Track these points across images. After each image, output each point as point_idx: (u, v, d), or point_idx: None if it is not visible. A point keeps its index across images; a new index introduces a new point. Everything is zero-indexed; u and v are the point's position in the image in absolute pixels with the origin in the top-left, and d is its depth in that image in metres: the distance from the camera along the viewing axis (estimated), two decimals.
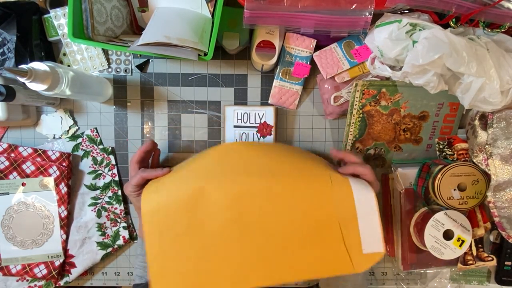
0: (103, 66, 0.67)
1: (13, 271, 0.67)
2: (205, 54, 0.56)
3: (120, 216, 0.69)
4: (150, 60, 0.68)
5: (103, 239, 0.69)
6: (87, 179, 0.69)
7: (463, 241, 0.61)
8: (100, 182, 0.69)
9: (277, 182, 0.53)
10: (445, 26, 0.57)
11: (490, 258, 0.65)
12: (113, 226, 0.69)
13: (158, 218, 0.52)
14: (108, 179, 0.69)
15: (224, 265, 0.52)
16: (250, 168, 0.56)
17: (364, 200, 0.52)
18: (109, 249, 0.69)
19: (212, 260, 0.52)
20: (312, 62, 0.65)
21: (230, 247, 0.52)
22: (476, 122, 0.61)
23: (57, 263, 0.67)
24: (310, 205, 0.52)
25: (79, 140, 0.68)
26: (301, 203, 0.53)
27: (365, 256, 0.53)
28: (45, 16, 0.64)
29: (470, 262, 0.65)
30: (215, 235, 0.52)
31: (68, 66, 0.67)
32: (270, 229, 0.52)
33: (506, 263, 0.68)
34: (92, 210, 0.69)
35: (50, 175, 0.66)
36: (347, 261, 0.52)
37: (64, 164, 0.66)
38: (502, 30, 0.57)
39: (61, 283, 0.68)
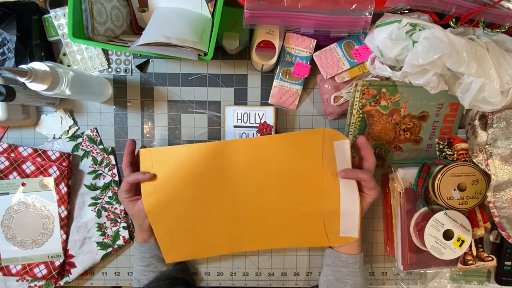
0: (103, 66, 0.67)
1: (13, 271, 0.67)
2: (205, 54, 0.56)
3: (120, 216, 0.69)
4: (150, 60, 0.68)
5: (103, 239, 0.69)
6: (87, 179, 0.69)
7: (463, 241, 0.61)
8: (100, 182, 0.69)
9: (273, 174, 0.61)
10: (445, 26, 0.57)
11: (490, 258, 0.65)
12: (113, 226, 0.69)
13: (160, 209, 0.61)
14: (108, 179, 0.69)
15: (221, 232, 0.63)
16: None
17: (349, 202, 0.59)
18: (109, 249, 0.69)
19: (210, 230, 0.63)
20: (312, 62, 0.65)
21: (226, 217, 0.62)
22: (476, 122, 0.61)
23: (57, 263, 0.67)
24: (302, 199, 0.61)
25: (79, 140, 0.68)
26: (295, 196, 0.61)
27: (341, 237, 0.62)
28: (45, 16, 0.64)
29: (470, 262, 0.65)
30: (213, 211, 0.62)
31: (68, 66, 0.67)
32: (266, 207, 0.62)
33: (506, 263, 0.68)
34: (92, 210, 0.69)
35: (50, 175, 0.66)
36: (324, 239, 0.63)
37: (64, 164, 0.66)
38: (502, 30, 0.57)
39: (61, 283, 0.68)
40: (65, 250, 0.68)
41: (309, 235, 0.63)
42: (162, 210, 0.60)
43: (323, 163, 0.59)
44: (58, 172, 0.66)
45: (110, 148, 0.69)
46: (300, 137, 0.60)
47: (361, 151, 0.59)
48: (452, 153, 0.65)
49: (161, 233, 0.62)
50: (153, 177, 0.59)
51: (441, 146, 0.66)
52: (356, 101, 0.63)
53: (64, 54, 0.67)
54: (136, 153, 0.63)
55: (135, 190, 0.61)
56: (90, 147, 0.69)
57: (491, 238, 0.68)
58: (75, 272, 0.68)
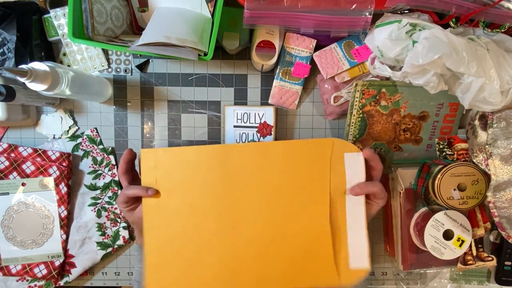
0: (103, 66, 0.67)
1: (13, 271, 0.67)
2: (205, 54, 0.56)
3: (120, 216, 0.69)
4: (150, 60, 0.68)
5: (103, 239, 0.69)
6: (87, 179, 0.69)
7: (463, 241, 0.61)
8: (100, 182, 0.69)
9: (274, 198, 0.55)
10: (445, 26, 0.57)
11: (490, 258, 0.65)
12: (113, 226, 0.69)
13: (157, 214, 0.55)
14: (108, 179, 0.69)
15: (215, 271, 0.54)
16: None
17: (355, 216, 0.54)
18: (109, 249, 0.69)
19: (204, 261, 0.54)
20: (312, 62, 0.65)
21: (224, 256, 0.54)
22: (476, 122, 0.61)
23: (57, 263, 0.67)
24: (305, 221, 0.54)
25: (79, 140, 0.68)
26: (300, 216, 0.55)
27: (352, 271, 0.54)
28: (45, 16, 0.64)
29: (470, 262, 0.65)
30: (212, 240, 0.54)
31: (68, 66, 0.67)
32: (263, 242, 0.54)
33: (506, 263, 0.68)
34: (92, 210, 0.69)
35: (50, 175, 0.66)
36: (334, 275, 0.53)
37: (64, 164, 0.66)
38: (502, 30, 0.57)
39: (61, 283, 0.68)
40: (65, 250, 0.68)
41: (318, 271, 0.54)
42: (159, 216, 0.55)
43: (330, 177, 0.54)
44: (58, 172, 0.66)
45: (110, 148, 0.69)
46: (307, 145, 0.54)
47: (368, 161, 0.55)
48: (452, 153, 0.65)
49: (151, 249, 0.54)
50: (156, 193, 0.54)
51: (441, 146, 0.66)
52: (356, 101, 0.63)
53: (64, 54, 0.67)
54: (136, 159, 0.59)
55: (134, 199, 0.59)
56: (90, 147, 0.69)
57: (491, 238, 0.68)
58: (75, 272, 0.68)
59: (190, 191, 0.55)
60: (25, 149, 0.66)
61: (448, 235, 0.61)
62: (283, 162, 0.54)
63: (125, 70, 0.68)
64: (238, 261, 0.54)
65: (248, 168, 0.55)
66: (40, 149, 0.66)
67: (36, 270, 0.67)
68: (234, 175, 0.55)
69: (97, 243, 0.68)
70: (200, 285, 0.54)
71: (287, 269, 0.54)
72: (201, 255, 0.54)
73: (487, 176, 0.59)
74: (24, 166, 0.66)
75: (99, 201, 0.69)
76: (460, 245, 0.61)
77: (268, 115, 0.67)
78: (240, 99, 0.69)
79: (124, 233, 0.69)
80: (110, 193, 0.69)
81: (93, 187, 0.69)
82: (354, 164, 0.54)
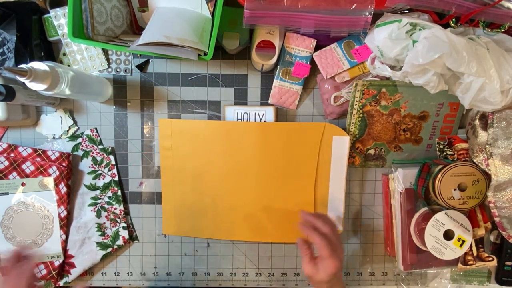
0: (103, 66, 0.67)
1: None
2: (205, 54, 0.56)
3: (120, 216, 0.69)
4: (150, 60, 0.68)
5: (102, 239, 0.69)
6: (87, 179, 0.68)
7: (463, 241, 0.61)
8: (100, 182, 0.69)
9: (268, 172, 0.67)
10: (445, 26, 0.57)
11: (490, 258, 0.65)
12: (113, 226, 0.69)
13: (172, 174, 0.68)
14: (108, 179, 0.69)
15: (218, 215, 0.68)
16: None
17: (336, 189, 0.66)
18: (109, 249, 0.69)
19: (208, 211, 0.68)
20: (312, 62, 0.65)
21: (225, 201, 0.67)
22: (476, 122, 0.61)
23: (56, 263, 0.67)
24: (296, 186, 0.67)
25: (79, 140, 0.68)
26: (290, 183, 0.66)
27: None
28: (45, 16, 0.64)
29: (471, 262, 0.65)
30: (215, 190, 0.67)
31: (68, 66, 0.67)
32: (258, 202, 0.67)
33: (507, 263, 0.67)
34: (91, 210, 0.68)
35: (49, 175, 0.66)
36: None
37: (63, 164, 0.66)
38: (502, 30, 0.57)
39: (61, 283, 0.68)
40: (65, 250, 0.68)
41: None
42: (174, 176, 0.67)
43: (319, 154, 0.65)
44: (57, 172, 0.66)
45: (110, 148, 0.69)
46: (302, 127, 0.65)
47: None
48: (452, 153, 0.65)
49: (167, 200, 0.68)
50: (172, 156, 0.67)
51: (441, 146, 0.66)
52: (356, 101, 0.63)
53: (64, 54, 0.67)
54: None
55: None
56: (90, 147, 0.69)
57: (492, 238, 0.68)
58: (74, 273, 0.68)
59: (199, 157, 0.66)
60: (24, 149, 0.66)
61: (448, 235, 0.61)
62: (280, 139, 0.65)
63: (125, 70, 0.68)
64: (236, 214, 0.67)
65: (249, 141, 0.65)
66: (40, 149, 0.66)
67: (35, 270, 0.67)
68: (236, 147, 0.66)
69: (97, 243, 0.68)
70: (204, 226, 0.68)
71: (276, 226, 0.67)
72: (208, 206, 0.68)
73: (487, 176, 0.59)
74: (23, 166, 0.66)
75: (98, 201, 0.69)
76: (461, 245, 0.61)
77: (268, 115, 0.67)
78: (240, 99, 0.69)
79: (124, 233, 0.69)
80: (110, 193, 0.69)
81: (92, 187, 0.69)
82: (340, 146, 0.65)
